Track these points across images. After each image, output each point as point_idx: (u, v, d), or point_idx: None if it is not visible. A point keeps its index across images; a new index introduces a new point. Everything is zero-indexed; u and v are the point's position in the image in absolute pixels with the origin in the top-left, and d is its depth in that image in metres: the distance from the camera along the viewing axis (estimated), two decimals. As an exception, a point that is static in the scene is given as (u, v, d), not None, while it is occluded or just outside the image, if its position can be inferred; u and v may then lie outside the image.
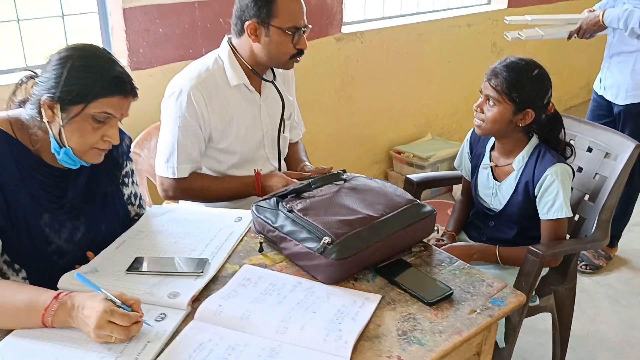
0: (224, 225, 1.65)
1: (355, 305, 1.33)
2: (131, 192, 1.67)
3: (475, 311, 1.35)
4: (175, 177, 1.91)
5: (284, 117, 2.04)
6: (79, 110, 1.34)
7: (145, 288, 1.35)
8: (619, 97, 2.70)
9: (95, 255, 1.50)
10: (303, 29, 1.85)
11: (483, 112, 1.86)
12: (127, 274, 1.41)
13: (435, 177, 2.54)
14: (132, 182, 1.68)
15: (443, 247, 1.89)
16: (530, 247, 1.80)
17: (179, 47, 2.63)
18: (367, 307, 1.33)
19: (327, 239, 1.40)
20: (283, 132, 2.07)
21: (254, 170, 1.95)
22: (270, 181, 1.92)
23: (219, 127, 1.91)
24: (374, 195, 1.59)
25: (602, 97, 2.82)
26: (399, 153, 3.88)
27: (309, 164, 2.15)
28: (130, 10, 2.43)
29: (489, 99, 1.84)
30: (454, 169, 2.25)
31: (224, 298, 1.33)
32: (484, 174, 2.01)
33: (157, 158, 1.95)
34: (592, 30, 2.71)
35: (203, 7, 2.66)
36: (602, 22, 2.66)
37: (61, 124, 1.35)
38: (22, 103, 1.47)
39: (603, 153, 2.11)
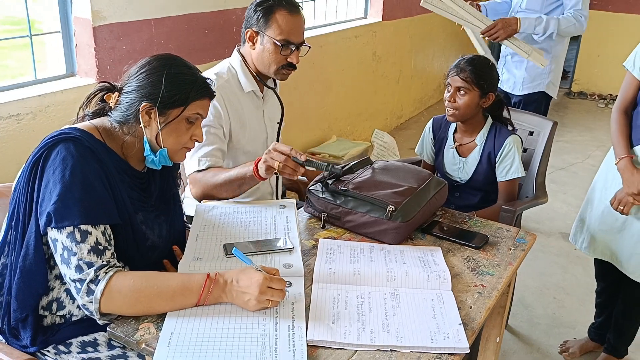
0: (275, 212, 1.85)
1: (427, 255, 1.65)
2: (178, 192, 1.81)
3: (511, 248, 1.74)
4: (198, 169, 1.99)
5: (282, 120, 2.27)
6: (177, 113, 1.48)
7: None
8: (516, 89, 3.33)
9: (180, 248, 1.64)
10: (296, 45, 2.04)
11: (455, 102, 2.26)
12: (227, 257, 1.57)
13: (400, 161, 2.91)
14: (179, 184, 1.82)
15: None
16: (503, 206, 2.25)
17: (139, 63, 2.71)
18: (437, 255, 1.65)
19: (391, 207, 1.69)
20: (278, 136, 2.30)
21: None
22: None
23: (235, 129, 2.08)
24: (403, 172, 1.92)
25: (499, 89, 3.43)
26: (314, 155, 4.21)
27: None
28: (99, 29, 2.48)
29: (459, 90, 2.25)
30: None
31: (327, 263, 1.56)
32: (450, 153, 2.43)
33: (186, 161, 2.01)
34: (507, 31, 3.05)
35: (158, 24, 2.77)
36: (519, 28, 3.07)
37: (159, 127, 1.48)
38: (96, 113, 1.57)
39: (527, 131, 2.65)
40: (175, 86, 1.47)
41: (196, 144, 1.98)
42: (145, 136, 1.50)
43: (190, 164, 2.02)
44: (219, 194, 1.99)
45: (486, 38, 3.12)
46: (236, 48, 2.14)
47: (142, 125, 1.48)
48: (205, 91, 1.52)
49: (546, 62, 3.13)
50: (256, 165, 1.81)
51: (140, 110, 1.47)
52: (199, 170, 2.02)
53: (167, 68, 1.48)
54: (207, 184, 2.01)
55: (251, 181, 1.90)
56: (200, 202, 2.03)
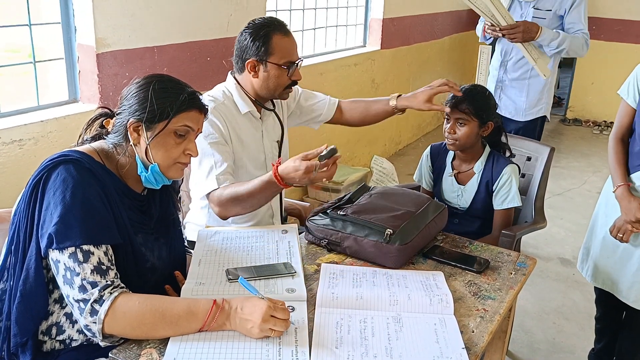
0: (277, 237, 1.86)
1: (430, 279, 1.65)
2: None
3: (512, 273, 1.75)
4: (218, 187, 1.94)
5: (283, 140, 2.28)
6: (163, 127, 1.49)
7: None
8: (518, 115, 3.36)
9: (181, 273, 1.64)
10: (297, 62, 2.08)
11: (455, 133, 2.28)
12: (230, 282, 1.57)
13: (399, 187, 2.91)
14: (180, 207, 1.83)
15: None
16: (503, 231, 2.26)
17: (141, 90, 2.74)
18: (439, 279, 1.66)
19: (389, 231, 1.71)
20: (279, 155, 2.31)
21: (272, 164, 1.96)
22: (286, 168, 1.88)
23: (236, 145, 2.08)
24: (401, 196, 1.94)
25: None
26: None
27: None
28: (102, 55, 2.51)
29: (458, 121, 2.27)
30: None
31: (330, 288, 1.57)
32: (449, 180, 2.45)
33: (197, 181, 2.00)
34: (526, 36, 2.98)
35: (161, 51, 2.81)
36: (537, 37, 3.01)
37: (147, 142, 1.49)
38: (95, 138, 1.59)
39: (525, 157, 2.68)
40: (160, 100, 1.48)
41: (209, 162, 1.99)
42: (136, 154, 1.51)
43: (208, 184, 1.97)
44: (244, 209, 1.94)
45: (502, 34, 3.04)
46: (230, 73, 2.16)
47: (131, 143, 1.50)
48: (192, 102, 1.52)
49: (549, 72, 3.13)
50: (276, 169, 1.83)
51: (128, 127, 1.49)
52: (219, 188, 1.95)
53: (153, 84, 1.50)
54: (227, 200, 1.92)
55: (273, 187, 1.86)
56: (225, 220, 1.99)
